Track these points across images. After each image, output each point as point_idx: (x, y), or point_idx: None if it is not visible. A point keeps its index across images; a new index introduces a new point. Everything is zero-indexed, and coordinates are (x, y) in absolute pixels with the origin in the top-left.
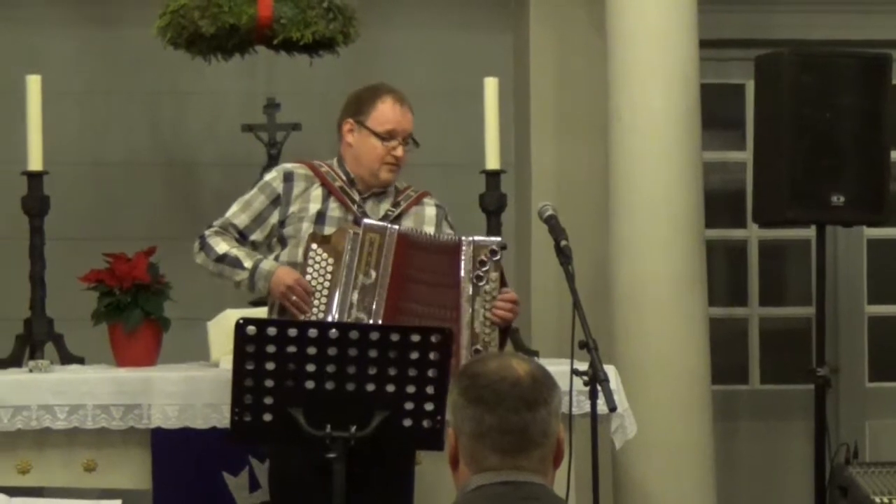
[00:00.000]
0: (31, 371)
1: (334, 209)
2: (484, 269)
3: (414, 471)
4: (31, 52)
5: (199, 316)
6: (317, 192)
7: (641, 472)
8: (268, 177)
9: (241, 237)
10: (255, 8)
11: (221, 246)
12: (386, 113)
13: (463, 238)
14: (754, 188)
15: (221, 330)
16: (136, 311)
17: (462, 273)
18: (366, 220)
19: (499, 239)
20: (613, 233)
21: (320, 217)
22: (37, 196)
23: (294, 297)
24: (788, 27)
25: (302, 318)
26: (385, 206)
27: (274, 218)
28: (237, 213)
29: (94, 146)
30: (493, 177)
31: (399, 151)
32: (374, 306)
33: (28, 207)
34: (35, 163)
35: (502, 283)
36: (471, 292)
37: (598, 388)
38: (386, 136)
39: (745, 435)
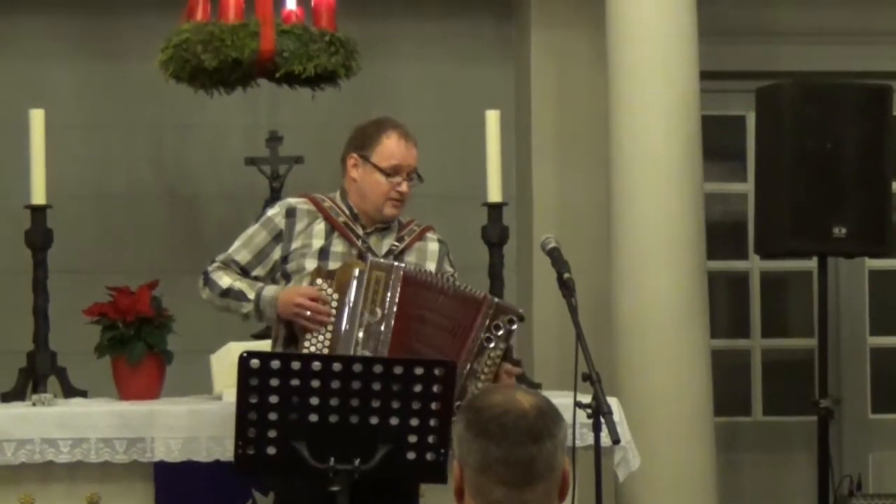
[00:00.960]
0: (34, 405)
1: (337, 244)
2: (498, 333)
3: (418, 499)
4: (34, 86)
5: (203, 349)
6: (319, 227)
7: None
8: (270, 212)
9: (244, 273)
10: (257, 42)
11: (224, 280)
12: (391, 149)
13: (488, 296)
14: (756, 219)
15: (224, 363)
16: (139, 345)
17: (475, 328)
18: (371, 258)
19: (520, 310)
20: (615, 264)
21: (323, 253)
22: (40, 229)
23: (308, 313)
24: (789, 58)
25: (322, 332)
26: (389, 241)
27: (276, 254)
28: (239, 249)
29: (97, 179)
30: (495, 209)
31: (404, 187)
32: (378, 346)
33: (31, 241)
34: (38, 196)
35: (507, 355)
36: (476, 350)
37: (602, 420)
38: (391, 172)
39: (748, 466)
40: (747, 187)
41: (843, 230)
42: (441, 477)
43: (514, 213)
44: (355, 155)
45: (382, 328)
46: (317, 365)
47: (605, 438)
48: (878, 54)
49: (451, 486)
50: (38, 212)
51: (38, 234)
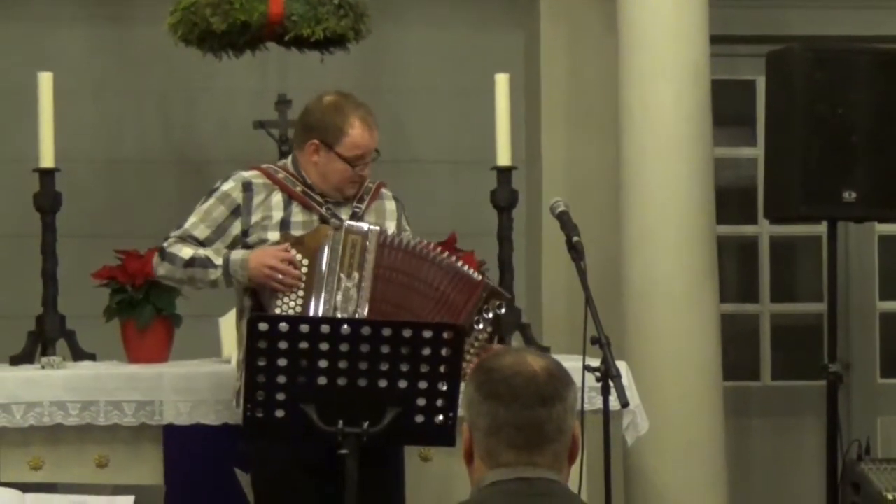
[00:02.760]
0: (43, 368)
1: (297, 214)
2: (487, 315)
3: (403, 467)
4: (42, 50)
5: (211, 312)
6: (277, 198)
7: (653, 468)
8: (225, 186)
9: (202, 247)
10: (266, 5)
11: (186, 251)
12: (356, 139)
13: (484, 279)
14: (766, 184)
15: (233, 326)
16: (147, 308)
17: (467, 308)
18: (347, 222)
19: (509, 296)
20: (624, 229)
21: (284, 224)
22: (49, 193)
23: (280, 276)
24: (800, 23)
25: (291, 296)
26: (349, 206)
27: (236, 229)
28: (196, 224)
29: (106, 143)
30: (504, 173)
31: (366, 171)
32: (357, 309)
33: (40, 204)
34: (47, 160)
35: (496, 336)
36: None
37: (611, 384)
38: (354, 161)
39: (757, 431)
40: (757, 152)
41: (853, 195)
42: (449, 440)
43: (524, 178)
44: (317, 142)
45: (360, 292)
46: (325, 328)
47: (614, 402)
48: (889, 18)
49: (461, 448)
50: (46, 175)
51: (47, 198)
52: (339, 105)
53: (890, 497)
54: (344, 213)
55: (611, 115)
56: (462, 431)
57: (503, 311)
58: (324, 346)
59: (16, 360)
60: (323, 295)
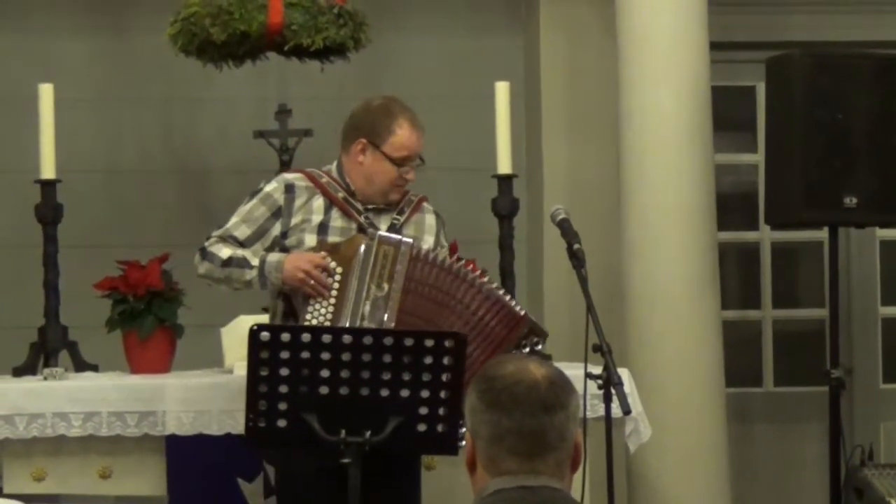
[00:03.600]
0: (45, 379)
1: (336, 219)
2: (524, 350)
3: (420, 473)
4: (42, 60)
5: (213, 322)
6: (318, 202)
7: (656, 476)
8: (268, 188)
9: (242, 248)
10: (265, 15)
11: (224, 251)
12: (403, 140)
13: (527, 315)
14: (766, 190)
15: (235, 336)
16: (149, 318)
17: (508, 342)
18: (380, 233)
19: (546, 332)
20: (625, 235)
21: (322, 227)
22: (50, 204)
23: (312, 281)
24: (799, 28)
25: (324, 303)
26: (388, 215)
27: (276, 230)
28: (238, 224)
29: (107, 153)
30: (505, 181)
31: (411, 175)
32: (385, 320)
33: (41, 215)
34: (48, 171)
35: None
36: None
37: (612, 391)
38: (401, 162)
39: (760, 437)
40: (758, 158)
41: (854, 200)
42: (452, 449)
43: (525, 185)
44: (364, 140)
45: (389, 303)
46: (327, 337)
47: (616, 409)
48: (889, 24)
49: (464, 457)
50: (47, 186)
51: (49, 209)
52: (387, 106)
53: (893, 502)
54: (383, 223)
55: (611, 122)
56: (466, 439)
57: (540, 347)
58: (325, 356)
59: (18, 372)
60: (352, 304)
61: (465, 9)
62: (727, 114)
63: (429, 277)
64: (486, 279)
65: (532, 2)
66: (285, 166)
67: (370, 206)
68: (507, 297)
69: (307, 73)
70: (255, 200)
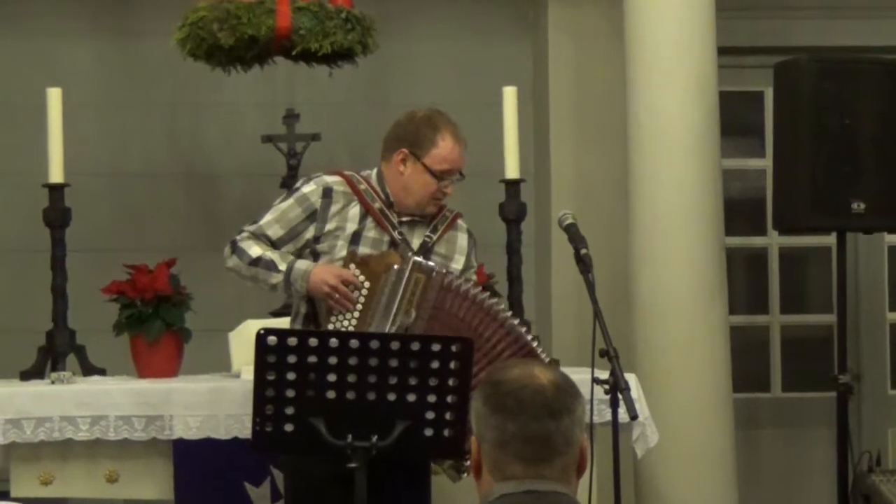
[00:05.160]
0: (53, 383)
1: (370, 230)
2: None
3: (430, 478)
4: (50, 64)
5: (220, 327)
6: (354, 210)
7: (663, 481)
8: (306, 188)
9: (273, 247)
10: (273, 19)
11: (254, 249)
12: (445, 153)
13: (554, 362)
14: (774, 195)
15: (242, 340)
16: (157, 323)
17: None
18: (414, 258)
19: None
20: (633, 240)
21: (356, 237)
22: (58, 208)
23: (337, 296)
24: (807, 33)
25: (347, 317)
26: (422, 231)
27: (309, 233)
28: (271, 223)
29: (115, 157)
30: (512, 186)
31: (450, 189)
32: None
33: (49, 219)
34: (56, 175)
35: None
36: None
37: (619, 396)
38: (442, 176)
39: (767, 443)
40: (765, 163)
41: (862, 205)
42: (459, 453)
43: (532, 190)
44: (406, 150)
45: (415, 330)
46: (334, 341)
47: (623, 414)
48: None
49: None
50: (55, 190)
51: (56, 213)
52: (431, 118)
53: None
54: (416, 239)
55: (619, 127)
56: (472, 444)
57: None
58: (332, 360)
59: (26, 376)
60: (377, 323)
61: (472, 13)
62: (735, 119)
63: (455, 308)
64: (508, 313)
65: (540, 6)
66: (293, 171)
67: (404, 220)
68: (529, 337)
69: (315, 77)
70: (291, 200)
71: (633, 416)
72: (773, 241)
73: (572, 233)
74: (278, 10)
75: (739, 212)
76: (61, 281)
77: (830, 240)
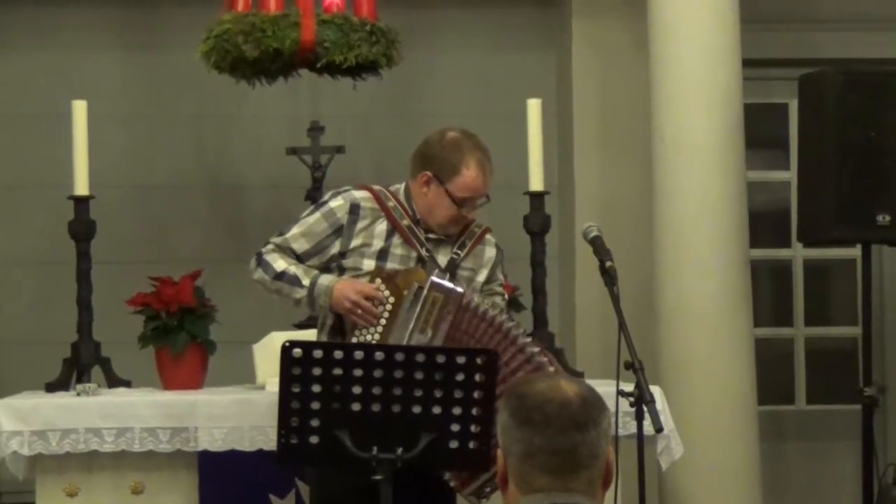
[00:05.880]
0: (78, 394)
1: (397, 247)
2: None
3: (453, 491)
4: (76, 77)
5: (245, 339)
6: (381, 227)
7: (688, 493)
8: (333, 203)
9: (298, 261)
10: (298, 32)
11: (279, 263)
12: (468, 181)
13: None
14: (799, 208)
15: (267, 352)
16: (182, 335)
17: None
18: (433, 279)
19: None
20: (658, 253)
21: (382, 254)
22: (83, 220)
23: (360, 311)
24: (832, 46)
25: (371, 332)
26: (449, 248)
27: (335, 248)
28: (297, 237)
29: (140, 170)
30: (537, 198)
31: (472, 214)
32: None
33: (74, 232)
34: (81, 187)
35: None
36: None
37: (644, 408)
38: (462, 203)
39: (792, 455)
40: (790, 175)
41: (887, 217)
42: (484, 466)
43: (556, 202)
44: (430, 174)
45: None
46: (359, 354)
47: (648, 427)
48: None
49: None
50: (81, 203)
51: (82, 225)
52: (459, 143)
53: None
54: (443, 255)
55: (643, 139)
56: (498, 457)
57: None
58: (357, 372)
59: (51, 387)
60: (395, 339)
61: (497, 26)
62: (760, 131)
63: (471, 328)
64: (522, 331)
65: (564, 19)
66: (318, 183)
67: (431, 236)
68: (545, 359)
69: (339, 90)
70: (318, 214)
71: (659, 429)
72: (797, 254)
73: (597, 245)
74: (303, 23)
75: (764, 224)
76: (86, 293)
77: (855, 252)
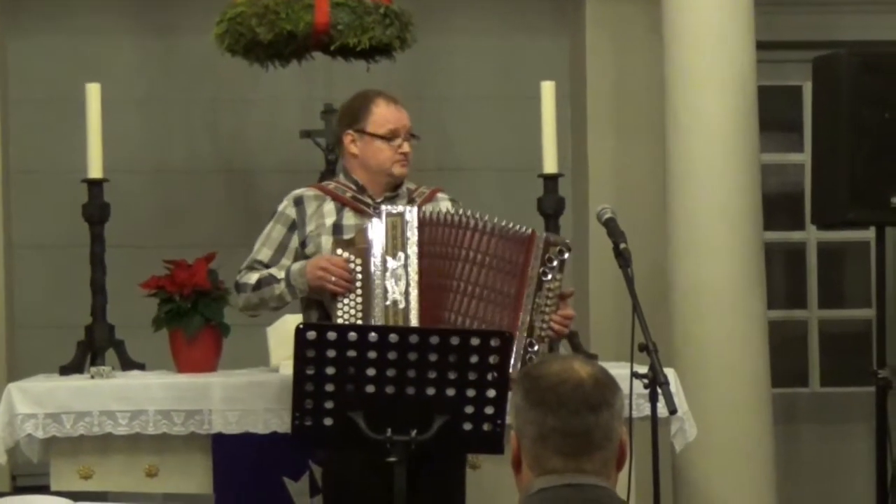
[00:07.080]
0: (92, 377)
1: (349, 217)
2: (552, 265)
3: (465, 471)
4: (90, 61)
5: (259, 321)
6: (329, 206)
7: (702, 475)
8: (280, 207)
9: (267, 269)
10: (312, 14)
11: (253, 277)
12: (383, 114)
13: (535, 231)
14: (813, 190)
15: (281, 335)
16: (196, 318)
17: (530, 264)
18: (384, 207)
19: (568, 240)
20: (671, 235)
21: (337, 228)
22: (97, 204)
23: (333, 278)
24: (846, 28)
25: (351, 297)
26: (400, 206)
27: (294, 242)
28: (259, 249)
29: (154, 153)
30: (550, 180)
31: (406, 147)
32: (408, 288)
33: (88, 215)
34: (95, 171)
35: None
36: (535, 286)
37: (658, 390)
38: (389, 136)
39: (806, 438)
40: (804, 158)
41: None
42: (498, 448)
43: (570, 185)
44: (350, 132)
45: (408, 269)
46: (373, 336)
47: (662, 409)
48: None
49: (508, 456)
50: (95, 186)
51: (96, 208)
52: (361, 93)
53: None
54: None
55: (657, 122)
56: (511, 438)
57: (566, 255)
58: (371, 355)
59: (65, 370)
60: (378, 288)
61: (510, 9)
62: (773, 113)
63: (438, 237)
64: (486, 217)
65: (578, 2)
66: (331, 166)
67: (381, 200)
68: (511, 224)
69: (353, 72)
70: (271, 223)
71: (672, 411)
72: (811, 236)
73: (612, 227)
74: (316, 6)
75: (778, 206)
76: (100, 276)
77: (869, 234)
